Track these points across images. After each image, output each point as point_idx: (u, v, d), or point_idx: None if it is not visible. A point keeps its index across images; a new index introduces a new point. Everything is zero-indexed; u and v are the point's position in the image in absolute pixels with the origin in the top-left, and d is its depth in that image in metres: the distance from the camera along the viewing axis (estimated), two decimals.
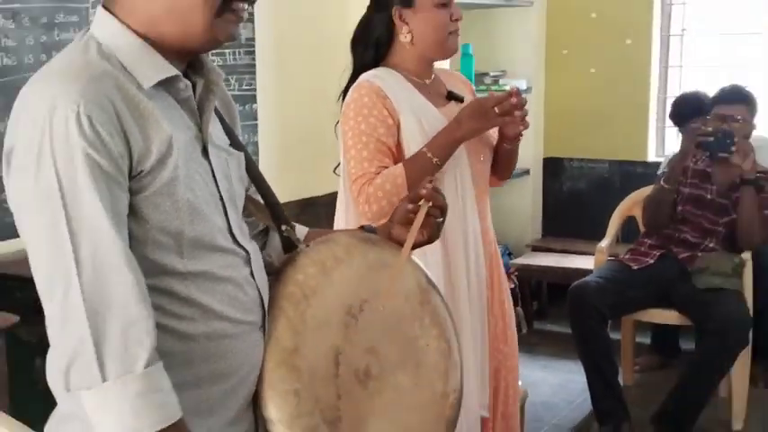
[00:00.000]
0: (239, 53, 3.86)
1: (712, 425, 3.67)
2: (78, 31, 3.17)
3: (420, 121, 2.29)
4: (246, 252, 1.40)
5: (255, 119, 4.02)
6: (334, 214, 4.59)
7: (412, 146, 2.28)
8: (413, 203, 1.58)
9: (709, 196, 3.72)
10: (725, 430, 3.67)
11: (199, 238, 1.29)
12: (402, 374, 1.50)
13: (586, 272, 3.92)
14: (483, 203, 2.45)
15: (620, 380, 3.77)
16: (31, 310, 2.33)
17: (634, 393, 3.90)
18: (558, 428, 3.71)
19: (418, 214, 1.55)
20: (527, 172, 5.25)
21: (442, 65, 2.47)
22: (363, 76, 2.34)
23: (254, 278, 1.40)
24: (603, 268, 3.85)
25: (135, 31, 1.28)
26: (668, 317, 3.76)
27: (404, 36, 2.33)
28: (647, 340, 4.39)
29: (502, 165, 2.51)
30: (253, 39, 3.91)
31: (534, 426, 3.64)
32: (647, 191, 3.96)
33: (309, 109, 4.32)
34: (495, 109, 2.21)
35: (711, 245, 3.68)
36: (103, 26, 1.29)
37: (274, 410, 1.38)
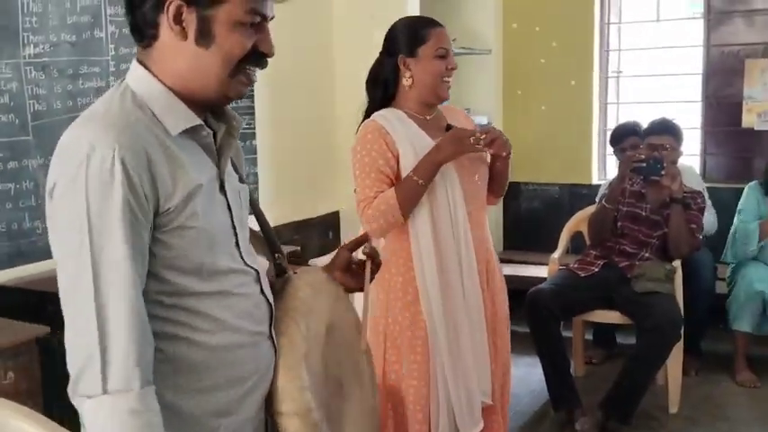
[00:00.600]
0: None
1: (652, 409, 3.66)
2: (100, 80, 3.19)
3: (415, 151, 2.32)
4: (256, 271, 1.39)
5: (255, 153, 4.01)
6: (324, 233, 4.60)
7: (408, 173, 2.31)
8: (350, 252, 1.64)
9: (643, 213, 3.72)
10: (662, 413, 3.66)
11: (215, 263, 1.29)
12: (355, 387, 1.59)
13: (541, 279, 3.92)
14: (478, 217, 2.46)
15: (572, 371, 3.76)
16: (61, 322, 2.32)
17: (584, 383, 3.89)
18: (520, 414, 3.69)
19: (366, 271, 1.62)
20: None
21: None
22: (372, 117, 2.39)
23: (263, 294, 1.40)
24: (556, 276, 3.85)
25: (164, 84, 1.28)
26: (611, 317, 3.74)
27: (406, 80, 2.38)
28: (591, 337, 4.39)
29: (495, 183, 2.55)
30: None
31: None
32: (591, 209, 3.96)
33: (301, 144, 4.33)
34: (471, 139, 2.27)
35: (647, 255, 3.68)
36: (138, 78, 1.29)
37: (292, 405, 1.37)
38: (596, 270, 3.72)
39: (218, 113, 1.38)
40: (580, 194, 4.97)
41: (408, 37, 2.38)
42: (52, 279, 3.01)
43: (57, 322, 2.33)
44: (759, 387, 3.92)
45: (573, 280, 3.73)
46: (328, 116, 4.53)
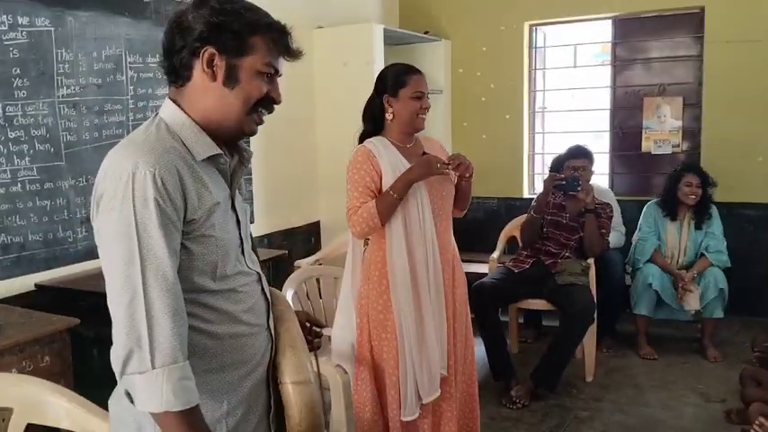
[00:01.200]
0: None
1: (572, 378, 3.69)
2: (121, 115, 3.16)
3: (394, 172, 2.36)
4: (258, 274, 1.40)
5: (250, 174, 4.00)
6: (308, 239, 4.58)
7: (387, 188, 2.35)
8: (306, 321, 1.62)
9: (564, 221, 3.76)
10: (581, 381, 3.69)
11: (226, 266, 1.29)
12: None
13: (484, 275, 3.92)
14: (444, 226, 2.49)
15: (509, 349, 3.77)
16: (89, 315, 2.30)
17: (518, 358, 3.91)
18: None
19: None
20: None
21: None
22: (364, 143, 2.43)
23: (263, 293, 1.40)
24: (495, 272, 3.86)
25: (192, 119, 1.29)
26: (539, 304, 3.77)
27: (389, 115, 2.43)
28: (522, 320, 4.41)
29: (459, 200, 2.59)
30: None
31: None
32: (522, 218, 3.98)
33: (288, 167, 4.32)
34: (438, 165, 2.33)
35: (567, 254, 3.71)
36: (171, 112, 1.30)
37: (297, 376, 1.38)
38: (527, 267, 3.74)
39: (232, 146, 1.38)
40: (514, 206, 4.98)
41: (392, 80, 2.42)
42: (82, 279, 2.99)
43: (86, 315, 2.32)
44: (657, 359, 3.97)
45: (509, 275, 3.75)
46: (310, 144, 4.53)
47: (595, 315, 3.56)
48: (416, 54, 5.14)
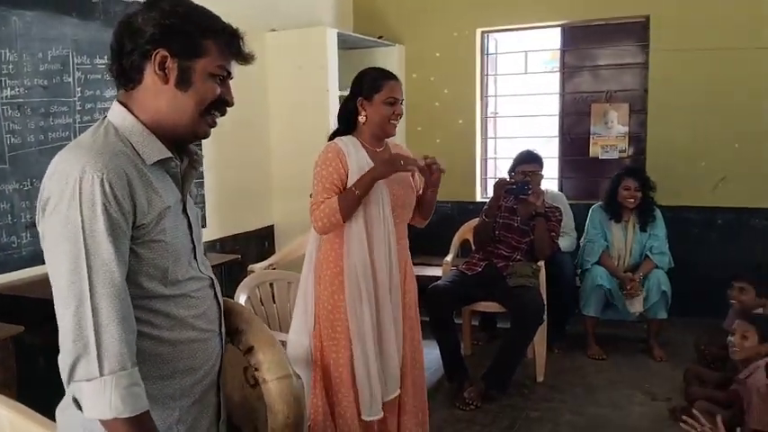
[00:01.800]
0: None
1: (523, 379, 3.74)
2: (68, 118, 3.08)
3: (361, 172, 2.36)
4: (211, 279, 1.39)
5: (202, 178, 3.94)
6: (261, 243, 4.55)
7: (350, 186, 2.36)
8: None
9: (515, 224, 3.81)
10: (532, 382, 3.74)
11: (177, 271, 1.28)
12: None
13: (438, 278, 3.95)
14: (401, 234, 2.51)
15: (462, 351, 3.80)
16: (34, 322, 2.24)
17: (471, 360, 3.94)
18: None
19: None
20: None
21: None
22: (335, 140, 2.43)
23: (216, 298, 1.39)
24: (449, 275, 3.89)
25: (142, 122, 1.28)
26: (492, 306, 3.80)
27: (362, 118, 2.43)
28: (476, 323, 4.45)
29: (423, 207, 2.61)
30: None
31: None
32: (475, 221, 4.02)
33: (241, 170, 4.28)
34: (401, 162, 2.35)
35: (518, 257, 3.76)
36: (119, 116, 1.28)
37: (280, 371, 1.39)
38: (480, 269, 3.78)
39: (182, 149, 1.37)
40: (467, 209, 5.01)
41: (368, 84, 2.42)
42: (27, 285, 2.91)
43: (31, 322, 2.25)
44: (605, 359, 4.06)
45: (462, 278, 3.78)
46: (264, 147, 4.49)
47: (545, 316, 3.62)
48: (370, 59, 5.16)
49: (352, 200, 2.33)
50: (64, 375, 1.16)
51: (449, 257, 4.17)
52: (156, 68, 1.26)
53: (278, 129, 4.49)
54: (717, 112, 4.52)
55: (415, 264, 5.07)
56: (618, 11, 4.74)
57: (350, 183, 2.37)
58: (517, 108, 5.33)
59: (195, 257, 1.35)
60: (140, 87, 1.28)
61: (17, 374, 2.24)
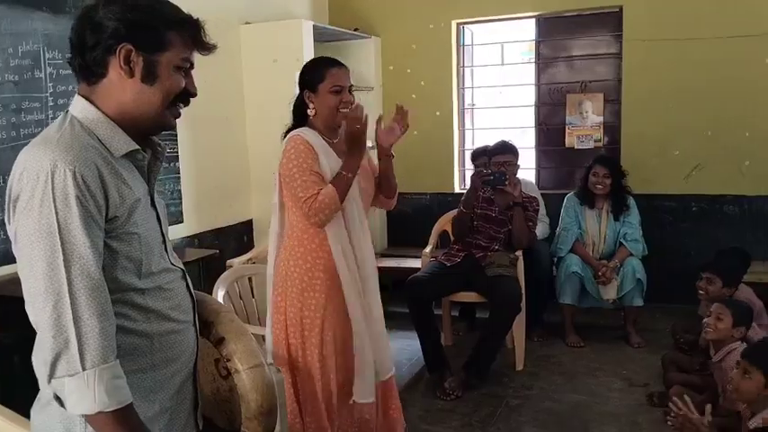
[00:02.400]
0: None
1: (503, 368, 3.78)
2: (40, 113, 3.04)
3: (328, 162, 2.31)
4: (182, 270, 1.39)
5: (178, 173, 3.91)
6: (240, 238, 4.52)
7: (339, 171, 2.30)
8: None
9: (493, 214, 3.82)
10: (511, 370, 3.77)
11: (151, 263, 1.28)
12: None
13: (417, 269, 3.96)
14: (366, 225, 2.48)
15: (442, 342, 3.83)
16: (6, 321, 2.20)
17: (452, 350, 3.97)
18: (402, 378, 3.71)
19: None
20: None
21: None
22: (294, 132, 2.37)
23: (188, 289, 1.39)
24: (428, 266, 3.89)
25: (106, 114, 1.26)
26: (471, 297, 3.82)
27: (310, 111, 2.38)
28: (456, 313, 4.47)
29: (384, 184, 2.55)
30: None
31: None
32: (453, 213, 4.03)
33: (218, 165, 4.26)
34: (358, 126, 2.26)
35: (496, 247, 3.78)
36: (83, 109, 1.26)
37: (252, 360, 1.40)
38: (459, 260, 3.79)
39: (145, 142, 1.36)
40: (446, 201, 5.04)
41: (311, 75, 2.37)
42: None
43: (4, 321, 2.22)
44: (583, 347, 4.11)
45: (441, 269, 3.78)
46: (240, 141, 4.47)
47: (523, 305, 3.65)
48: (346, 51, 5.15)
49: (346, 184, 2.26)
50: (42, 373, 1.15)
51: (428, 249, 4.18)
52: (122, 63, 1.25)
53: (254, 123, 4.46)
54: (689, 101, 4.58)
55: (396, 256, 5.18)
56: (592, 1, 4.78)
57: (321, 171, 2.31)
58: (494, 99, 5.35)
59: (166, 250, 1.36)
60: (104, 81, 1.27)
61: None
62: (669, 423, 2.28)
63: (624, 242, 4.14)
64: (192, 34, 1.30)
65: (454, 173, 5.25)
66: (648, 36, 4.61)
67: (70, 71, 1.31)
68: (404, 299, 3.66)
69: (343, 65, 2.40)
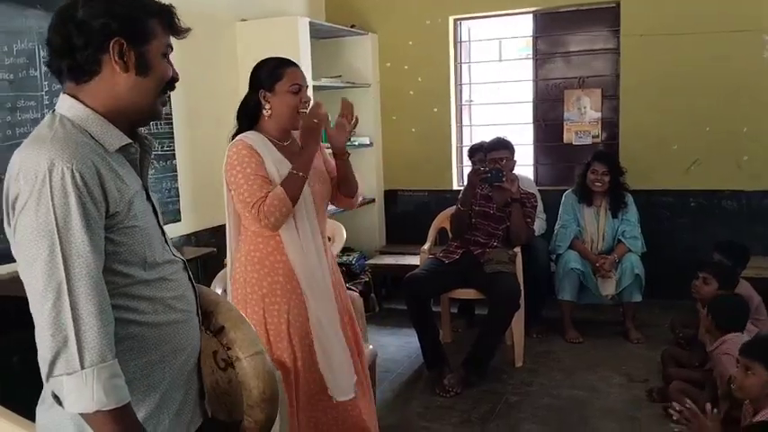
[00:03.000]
0: (161, 124, 3.75)
1: (502, 364, 3.78)
2: (36, 112, 3.03)
3: (276, 168, 2.25)
4: (183, 261, 1.40)
5: (175, 171, 3.91)
6: None
7: (290, 170, 2.24)
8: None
9: (491, 211, 3.83)
10: (511, 367, 3.78)
11: (153, 255, 1.29)
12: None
13: (415, 266, 3.96)
14: (323, 227, 2.41)
15: (441, 339, 3.83)
16: (7, 321, 2.20)
17: (451, 347, 3.96)
18: (401, 375, 3.73)
19: None
20: (373, 200, 5.29)
21: None
22: (238, 138, 2.30)
23: (190, 280, 1.41)
24: (426, 263, 3.89)
25: (96, 111, 1.26)
26: (469, 293, 3.82)
27: (266, 111, 2.31)
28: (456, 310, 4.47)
29: (342, 182, 2.46)
30: (170, 114, 3.81)
31: (384, 375, 3.66)
32: (451, 210, 4.04)
33: (212, 162, 4.22)
34: (315, 120, 2.24)
35: (495, 243, 3.78)
36: (71, 108, 1.26)
37: (252, 348, 1.40)
38: (457, 257, 3.79)
39: (134, 135, 1.36)
40: (444, 198, 5.04)
41: (268, 74, 2.30)
42: None
43: (2, 322, 2.22)
44: (582, 342, 4.11)
45: (440, 265, 3.78)
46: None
47: (522, 301, 3.66)
48: (343, 48, 5.15)
49: (297, 183, 2.20)
50: (43, 371, 1.16)
51: (426, 246, 4.18)
52: (116, 58, 1.25)
53: None
54: (687, 96, 4.58)
55: (394, 253, 5.18)
56: None
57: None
58: (492, 96, 5.34)
59: (166, 241, 1.37)
60: (97, 79, 1.27)
61: None
62: (674, 418, 2.27)
63: (623, 239, 4.15)
64: (169, 20, 1.32)
65: (452, 169, 5.25)
66: (646, 31, 4.61)
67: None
68: (402, 296, 3.66)
69: (297, 65, 2.35)
